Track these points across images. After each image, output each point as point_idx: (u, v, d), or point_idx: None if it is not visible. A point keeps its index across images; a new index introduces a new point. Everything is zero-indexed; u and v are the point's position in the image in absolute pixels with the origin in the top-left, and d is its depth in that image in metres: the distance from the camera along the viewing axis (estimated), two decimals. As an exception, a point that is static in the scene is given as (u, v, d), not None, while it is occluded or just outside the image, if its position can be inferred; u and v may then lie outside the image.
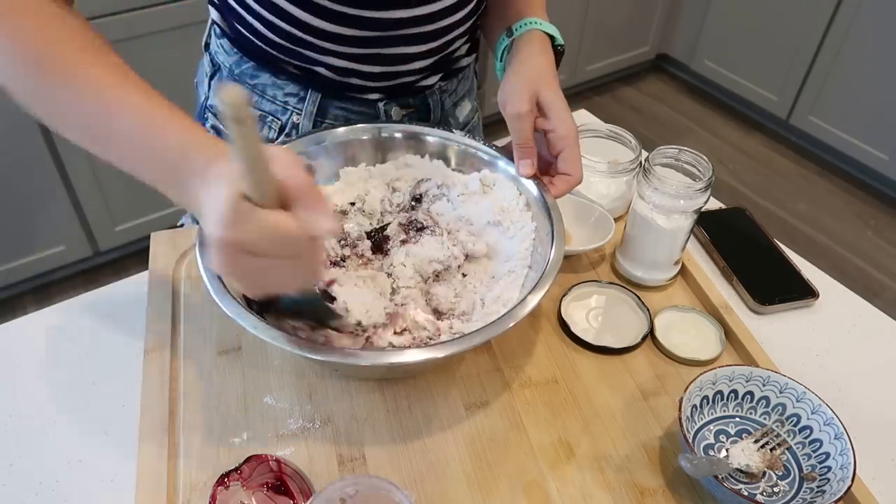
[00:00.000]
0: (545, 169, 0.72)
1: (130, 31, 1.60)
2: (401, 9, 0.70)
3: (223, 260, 0.45)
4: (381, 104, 0.80)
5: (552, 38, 0.74)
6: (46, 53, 0.51)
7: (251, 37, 0.75)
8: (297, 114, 0.79)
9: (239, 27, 0.75)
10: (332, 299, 0.61)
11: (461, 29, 0.78)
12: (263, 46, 0.75)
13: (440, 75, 0.83)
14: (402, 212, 0.74)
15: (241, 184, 0.43)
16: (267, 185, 0.44)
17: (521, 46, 0.72)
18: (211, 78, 0.83)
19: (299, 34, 0.71)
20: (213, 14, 0.80)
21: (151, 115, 0.51)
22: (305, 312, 0.60)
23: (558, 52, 0.75)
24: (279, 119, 0.79)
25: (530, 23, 0.73)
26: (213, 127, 0.84)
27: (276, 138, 0.80)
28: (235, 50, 0.78)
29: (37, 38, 0.51)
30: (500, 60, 0.76)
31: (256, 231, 0.43)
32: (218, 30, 0.80)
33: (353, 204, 0.75)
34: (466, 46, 0.85)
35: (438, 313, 0.66)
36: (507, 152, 0.73)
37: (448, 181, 0.75)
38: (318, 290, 0.60)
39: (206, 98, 0.84)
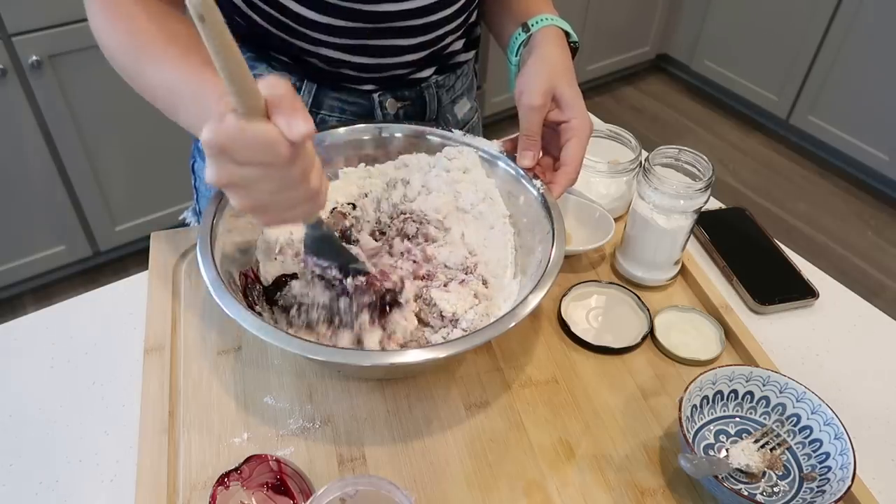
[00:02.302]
0: (552, 168, 0.72)
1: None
2: (391, 2, 0.71)
3: (213, 169, 0.48)
4: (375, 95, 0.81)
5: (567, 34, 0.75)
6: (138, 45, 0.61)
7: (246, 27, 0.75)
8: None
9: (235, 17, 0.76)
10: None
11: (452, 24, 0.78)
12: (258, 37, 0.75)
13: (434, 69, 0.83)
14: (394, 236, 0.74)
15: (229, 99, 0.46)
16: (251, 97, 0.45)
17: (540, 41, 0.73)
18: None
19: (291, 24, 0.72)
20: None
21: (202, 86, 0.57)
22: (327, 252, 0.62)
23: (573, 49, 0.75)
24: None
25: (546, 19, 0.74)
26: None
27: None
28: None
29: (129, 28, 0.61)
30: (516, 55, 0.76)
31: (236, 137, 0.46)
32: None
33: (353, 206, 0.75)
34: (462, 42, 0.85)
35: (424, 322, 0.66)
36: (509, 152, 0.73)
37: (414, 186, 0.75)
38: (327, 226, 0.62)
39: None
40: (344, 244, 0.65)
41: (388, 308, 0.64)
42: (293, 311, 0.64)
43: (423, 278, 0.69)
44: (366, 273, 0.63)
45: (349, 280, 0.62)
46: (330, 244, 0.62)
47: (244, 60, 0.45)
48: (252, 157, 0.47)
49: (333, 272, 0.63)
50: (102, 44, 0.64)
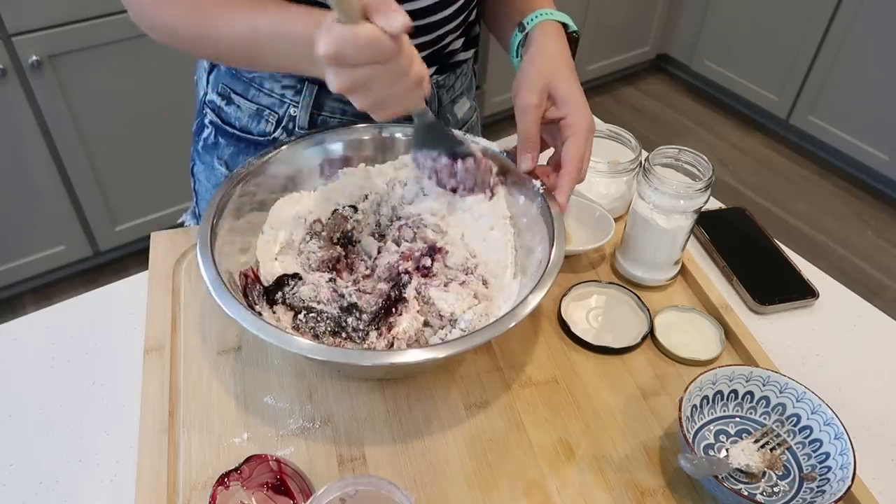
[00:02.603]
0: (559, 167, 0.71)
1: (131, 31, 1.60)
2: None
3: (333, 77, 0.54)
4: None
5: (565, 25, 0.74)
6: (203, 6, 0.63)
7: None
8: (294, 106, 0.79)
9: None
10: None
11: (452, 24, 0.78)
12: None
13: (434, 69, 0.83)
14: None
15: (334, 13, 0.52)
16: (351, 5, 0.51)
17: (535, 38, 0.72)
18: (209, 73, 0.83)
19: None
20: None
21: (287, 20, 0.60)
22: (435, 139, 0.69)
23: (574, 39, 0.74)
24: (276, 112, 0.79)
25: (542, 14, 0.73)
26: (211, 122, 0.84)
27: (274, 131, 0.80)
28: None
29: None
30: (517, 57, 0.75)
31: (344, 41, 0.52)
32: None
33: (354, 208, 0.75)
34: (461, 41, 0.85)
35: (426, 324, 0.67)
36: (510, 152, 0.73)
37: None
38: (431, 115, 0.68)
39: (206, 93, 0.84)
40: (447, 128, 0.71)
41: (394, 309, 0.65)
42: (300, 316, 0.65)
43: (425, 274, 0.69)
44: (472, 155, 0.69)
45: (460, 163, 0.69)
46: (438, 130, 0.69)
47: None
48: (363, 56, 0.53)
49: (444, 160, 0.69)
50: (158, 23, 0.66)
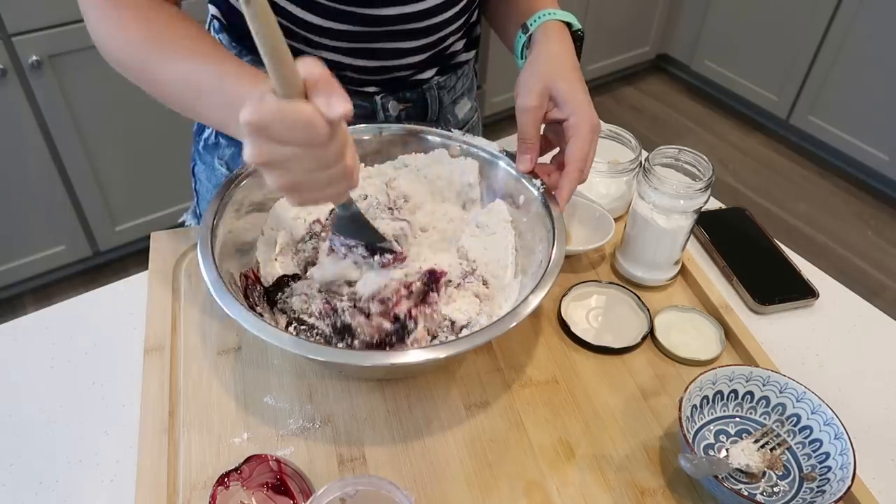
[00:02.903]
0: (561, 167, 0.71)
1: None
2: (391, 6, 0.70)
3: (251, 148, 0.49)
4: (378, 98, 0.80)
5: (570, 25, 0.73)
6: (146, 45, 0.62)
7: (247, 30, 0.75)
8: None
9: (235, 20, 0.75)
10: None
11: (454, 25, 0.77)
12: None
13: (436, 70, 0.83)
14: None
15: (270, 82, 0.47)
16: (290, 78, 0.47)
17: (538, 39, 0.71)
18: None
19: (293, 28, 0.72)
20: (213, 9, 0.80)
21: (222, 79, 0.58)
22: (356, 230, 0.64)
23: (578, 38, 0.73)
24: None
25: (545, 14, 0.72)
26: None
27: None
28: (235, 44, 0.79)
29: (138, 31, 0.62)
30: (521, 58, 0.75)
31: (277, 115, 0.47)
32: (217, 24, 0.81)
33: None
34: (462, 42, 0.85)
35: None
36: (510, 153, 0.73)
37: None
38: (356, 205, 0.64)
39: None
40: (371, 223, 0.66)
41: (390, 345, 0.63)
42: (290, 329, 0.64)
43: (427, 301, 0.66)
44: (392, 252, 0.65)
45: (376, 258, 0.64)
46: (359, 223, 0.64)
47: (285, 41, 0.46)
48: (291, 135, 0.48)
49: (360, 251, 0.64)
50: (104, 45, 0.64)
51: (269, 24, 0.45)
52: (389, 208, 0.75)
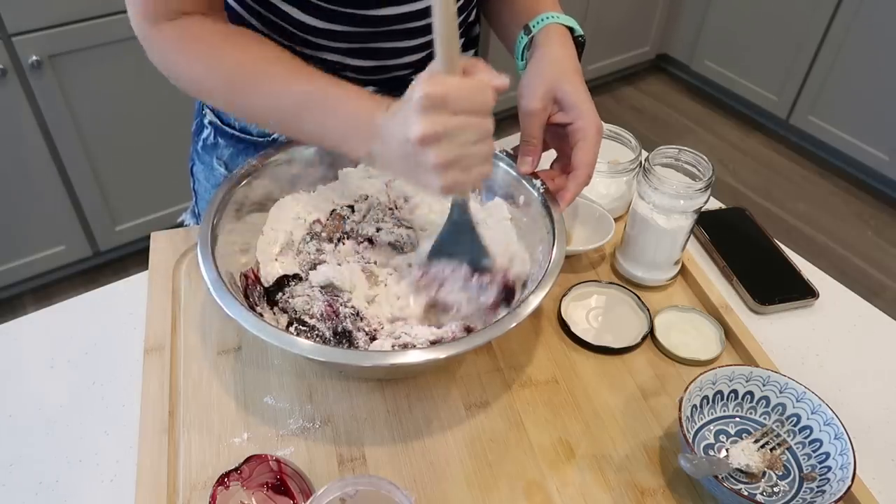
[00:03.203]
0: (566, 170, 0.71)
1: (131, 31, 1.60)
2: (391, 6, 0.70)
3: (426, 121, 0.53)
4: None
5: (571, 29, 0.73)
6: (232, 73, 0.64)
7: None
8: None
9: (236, 23, 0.75)
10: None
11: None
12: None
13: None
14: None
15: (375, 96, 0.55)
16: (455, 60, 0.53)
17: (541, 42, 0.71)
18: None
19: (291, 30, 0.72)
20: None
21: (325, 96, 0.62)
22: (461, 242, 0.64)
23: (579, 43, 0.74)
24: None
25: (548, 17, 0.72)
26: (210, 122, 0.84)
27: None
28: None
29: (221, 62, 0.64)
30: (522, 59, 0.75)
31: (456, 85, 0.53)
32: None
33: (351, 208, 0.75)
34: (461, 42, 0.85)
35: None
36: (510, 154, 0.73)
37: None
38: (472, 215, 0.65)
39: None
40: (477, 233, 0.65)
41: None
42: (291, 329, 0.64)
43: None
44: (490, 271, 0.65)
45: (474, 279, 0.65)
46: (467, 231, 0.65)
47: (456, 27, 0.53)
48: (466, 104, 0.53)
49: (463, 271, 0.65)
50: (180, 80, 0.66)
51: (449, 13, 0.51)
52: (390, 208, 0.75)
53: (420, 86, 0.52)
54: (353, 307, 0.66)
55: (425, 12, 0.73)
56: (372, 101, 0.59)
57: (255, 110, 0.66)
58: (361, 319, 0.65)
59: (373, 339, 0.64)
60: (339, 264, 0.70)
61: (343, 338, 0.64)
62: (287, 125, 0.65)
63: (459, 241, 0.64)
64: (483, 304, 0.64)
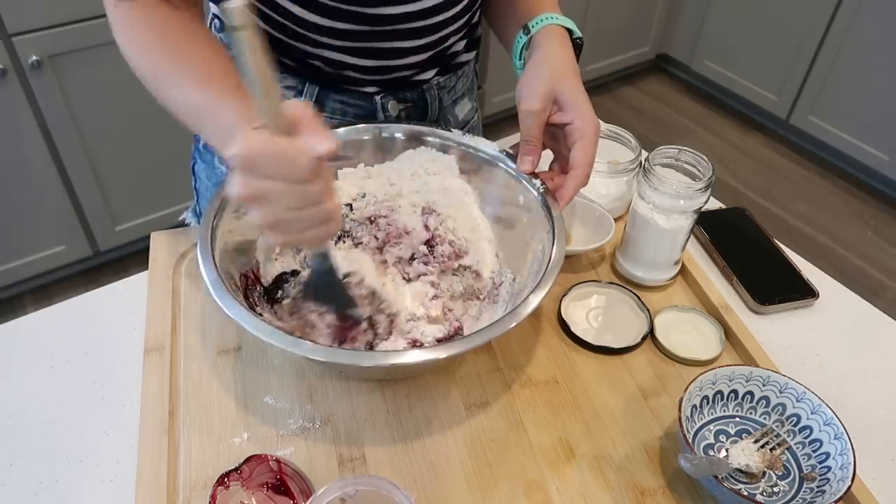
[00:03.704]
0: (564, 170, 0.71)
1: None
2: (394, 5, 0.70)
3: (238, 182, 0.50)
4: (378, 98, 0.80)
5: (570, 31, 0.73)
6: (157, 67, 0.63)
7: None
8: None
9: None
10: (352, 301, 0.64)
11: (455, 25, 0.77)
12: None
13: (436, 70, 0.83)
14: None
15: (255, 118, 0.49)
16: (277, 113, 0.48)
17: (540, 42, 0.71)
18: None
19: (294, 28, 0.72)
20: (214, 8, 0.80)
21: (221, 102, 0.59)
22: (328, 290, 0.62)
23: (577, 45, 0.74)
24: None
25: (547, 18, 0.72)
26: None
27: None
28: None
29: (151, 53, 0.64)
30: (520, 59, 0.75)
31: (263, 150, 0.48)
32: (218, 23, 0.81)
33: (350, 207, 0.75)
34: (463, 43, 0.85)
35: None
36: (510, 154, 0.73)
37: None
38: (333, 259, 0.63)
39: None
40: (345, 283, 0.64)
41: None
42: (286, 302, 0.65)
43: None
44: (359, 322, 0.64)
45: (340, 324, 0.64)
46: (332, 281, 0.62)
47: (275, 76, 0.47)
48: (276, 170, 0.49)
49: (330, 318, 0.63)
50: (130, 62, 0.66)
51: (258, 58, 0.45)
52: (390, 208, 0.75)
53: (237, 141, 0.49)
54: (368, 286, 0.66)
55: (427, 12, 0.73)
56: (239, 118, 0.55)
57: (170, 107, 0.64)
58: (382, 302, 0.66)
59: (391, 322, 0.66)
60: None
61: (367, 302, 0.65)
62: (194, 127, 0.64)
63: (325, 290, 0.63)
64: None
